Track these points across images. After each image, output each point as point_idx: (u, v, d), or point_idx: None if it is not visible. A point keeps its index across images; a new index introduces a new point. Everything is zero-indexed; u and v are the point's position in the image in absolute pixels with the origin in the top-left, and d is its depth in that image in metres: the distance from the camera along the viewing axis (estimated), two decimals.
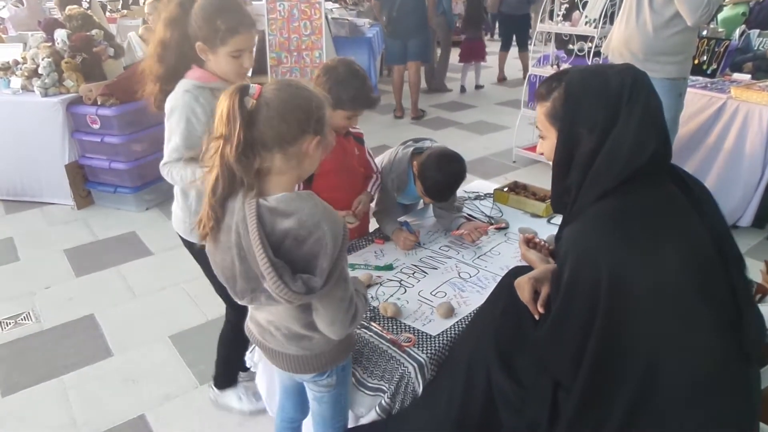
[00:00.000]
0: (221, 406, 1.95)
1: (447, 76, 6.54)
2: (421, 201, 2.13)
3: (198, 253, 1.58)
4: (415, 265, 1.83)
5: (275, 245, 0.98)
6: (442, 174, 1.74)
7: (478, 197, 2.35)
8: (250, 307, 1.21)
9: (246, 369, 1.98)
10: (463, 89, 6.31)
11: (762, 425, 1.06)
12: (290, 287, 0.95)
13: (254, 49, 1.49)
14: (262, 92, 0.99)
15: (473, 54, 6.29)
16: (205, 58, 1.45)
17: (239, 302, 1.06)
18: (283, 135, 0.98)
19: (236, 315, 1.74)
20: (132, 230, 3.39)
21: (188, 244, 1.64)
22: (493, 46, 8.08)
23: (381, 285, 1.68)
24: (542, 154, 1.16)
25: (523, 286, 1.20)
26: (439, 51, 6.28)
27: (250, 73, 2.10)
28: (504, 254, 1.90)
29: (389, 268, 1.82)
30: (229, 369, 1.93)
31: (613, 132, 1.01)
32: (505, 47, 6.59)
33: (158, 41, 1.43)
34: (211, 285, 1.59)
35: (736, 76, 3.37)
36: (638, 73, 1.04)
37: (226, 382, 1.96)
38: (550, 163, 1.12)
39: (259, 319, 1.21)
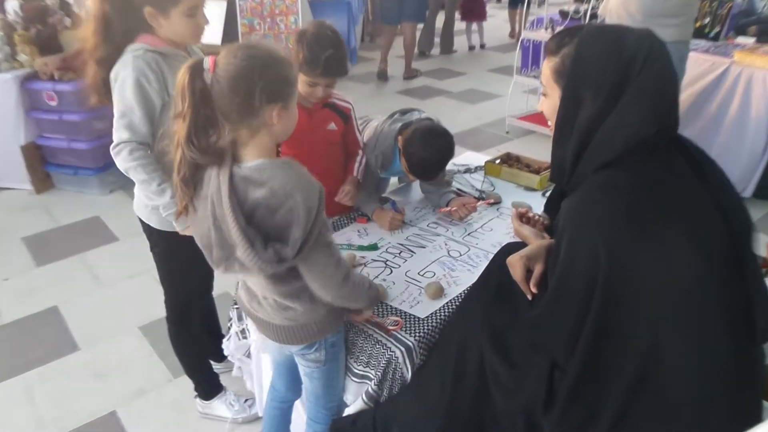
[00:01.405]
0: (213, 419, 1.91)
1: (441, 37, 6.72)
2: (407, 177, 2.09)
3: (156, 241, 1.60)
4: (401, 244, 1.84)
5: (248, 214, 1.03)
6: (429, 151, 1.75)
7: (468, 170, 2.36)
8: (241, 276, 1.25)
9: (222, 359, 1.99)
10: (471, 47, 6.65)
11: (765, 403, 1.05)
12: (260, 256, 0.99)
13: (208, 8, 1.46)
14: (216, 64, 0.99)
15: (474, 14, 6.46)
16: (156, 24, 1.39)
17: (216, 269, 1.10)
18: (238, 108, 0.99)
19: (174, 313, 1.75)
20: (96, 215, 3.36)
21: (148, 231, 1.62)
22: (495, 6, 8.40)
23: (365, 266, 1.68)
24: (542, 112, 1.15)
25: (514, 265, 1.21)
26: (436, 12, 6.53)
27: (220, 42, 2.03)
28: (496, 230, 1.91)
29: (373, 248, 1.81)
30: (203, 374, 1.90)
31: (620, 101, 1.00)
32: (513, 5, 6.76)
33: (96, 16, 1.35)
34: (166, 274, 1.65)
35: (740, 39, 3.35)
36: (656, 42, 1.02)
37: (210, 391, 1.91)
38: (547, 131, 1.12)
39: (249, 286, 1.25)
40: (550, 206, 1.43)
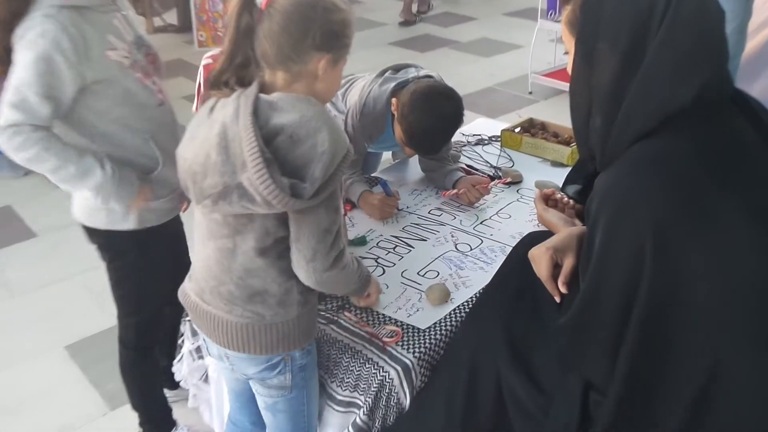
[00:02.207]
0: None
1: None
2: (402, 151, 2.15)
3: (119, 250, 1.59)
4: (396, 237, 1.85)
5: (266, 137, 1.07)
6: (431, 118, 1.76)
7: (480, 142, 2.37)
8: (194, 261, 1.31)
9: (174, 385, 1.99)
10: None
11: None
12: (275, 180, 1.05)
13: None
14: (271, 1, 1.11)
15: None
16: None
17: (197, 203, 1.17)
18: (286, 47, 1.12)
19: (134, 335, 1.74)
20: (6, 204, 3.30)
21: (104, 240, 1.60)
22: None
23: None
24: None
25: (539, 259, 1.20)
26: None
27: None
28: (516, 217, 1.93)
29: (362, 242, 1.84)
30: (157, 408, 1.90)
31: (647, 52, 1.00)
32: None
33: None
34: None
35: None
36: None
37: (160, 427, 1.92)
38: None
39: (200, 271, 1.29)
40: (577, 182, 1.45)
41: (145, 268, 1.64)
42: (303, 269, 1.22)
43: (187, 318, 1.72)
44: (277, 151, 1.08)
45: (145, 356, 1.80)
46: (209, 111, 1.18)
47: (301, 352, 1.35)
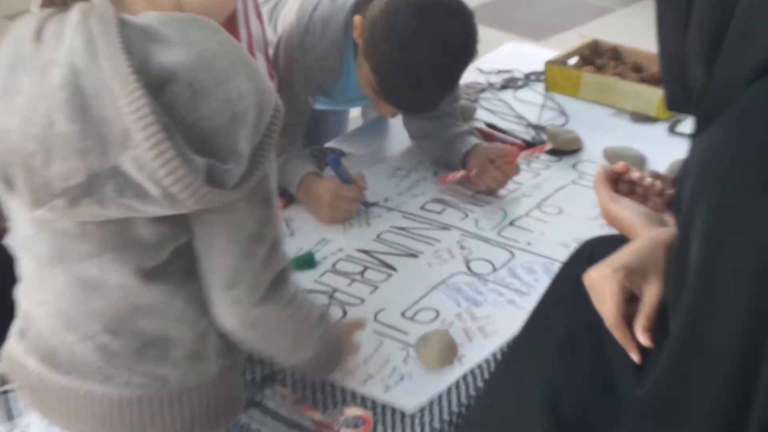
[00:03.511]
0: None
1: None
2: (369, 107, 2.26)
3: None
4: (366, 253, 1.85)
5: (152, 88, 1.06)
6: (421, 48, 1.76)
7: (510, 84, 2.36)
8: (28, 305, 1.31)
9: None
10: None
11: None
12: (185, 158, 1.05)
13: None
14: None
15: None
16: None
17: (30, 208, 1.14)
18: None
19: None
20: None
21: None
22: None
23: None
24: None
25: (602, 288, 1.20)
26: None
27: None
28: (571, 212, 1.94)
29: (307, 263, 1.81)
30: None
31: None
32: None
33: None
34: None
35: None
36: None
37: None
38: None
39: (43, 321, 1.29)
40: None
41: None
42: (218, 303, 1.23)
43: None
44: (170, 111, 1.07)
45: None
46: (34, 39, 1.11)
47: None
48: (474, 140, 2.04)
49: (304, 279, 1.72)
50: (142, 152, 1.06)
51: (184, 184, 1.07)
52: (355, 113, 2.65)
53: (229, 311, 1.23)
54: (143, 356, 1.25)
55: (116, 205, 1.11)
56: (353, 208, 1.94)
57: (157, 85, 1.07)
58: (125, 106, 1.05)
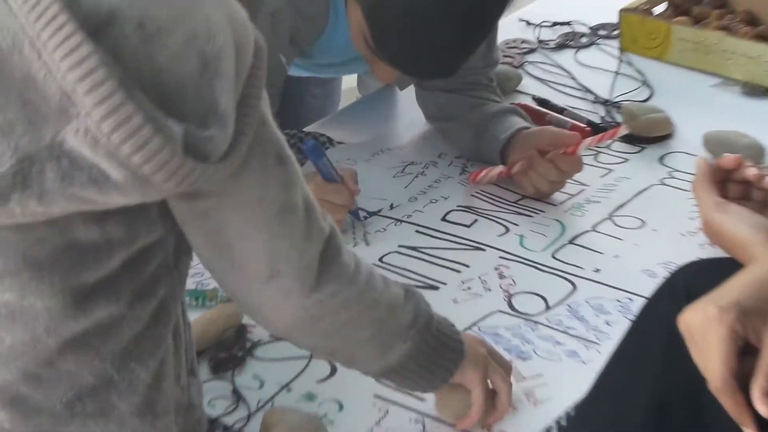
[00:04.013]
0: None
1: None
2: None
3: None
4: None
5: (92, 32, 1.01)
6: None
7: (569, 41, 2.38)
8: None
9: None
10: None
11: None
12: (158, 123, 1.00)
13: None
14: None
15: None
16: None
17: None
18: None
19: None
20: None
21: None
22: None
23: (253, 353, 1.63)
24: None
25: (703, 334, 1.13)
26: None
27: None
28: (657, 225, 1.84)
29: None
30: None
31: None
32: None
33: None
34: None
35: None
36: None
37: None
38: None
39: None
40: None
41: None
42: (263, 303, 1.25)
43: None
44: (118, 62, 1.01)
45: None
46: None
47: None
48: (517, 122, 1.92)
49: None
50: (95, 122, 0.97)
51: (159, 162, 0.98)
52: (349, 83, 2.62)
53: (280, 308, 1.22)
54: (75, 413, 1.17)
55: (63, 199, 1.03)
56: (341, 218, 1.80)
57: (94, 30, 0.98)
58: (61, 59, 0.96)
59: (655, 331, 1.26)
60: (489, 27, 1.83)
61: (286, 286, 1.21)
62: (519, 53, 2.30)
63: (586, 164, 1.88)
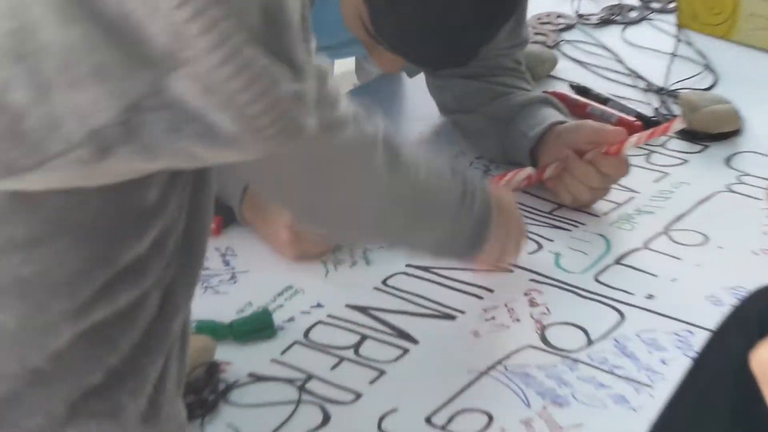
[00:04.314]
0: None
1: None
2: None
3: None
4: (362, 310, 1.72)
5: None
6: None
7: (614, 15, 2.42)
8: None
9: None
10: None
11: None
12: (277, 71, 1.02)
13: None
14: None
15: None
16: None
17: None
18: None
19: None
20: None
21: None
22: None
23: (227, 397, 1.59)
24: None
25: None
26: None
27: None
28: (724, 241, 1.83)
29: (262, 327, 1.68)
30: None
31: None
32: None
33: None
34: None
35: None
36: None
37: None
38: None
39: None
40: None
41: None
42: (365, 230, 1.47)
43: None
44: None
45: None
46: None
47: None
48: (551, 115, 1.88)
49: (254, 357, 1.62)
50: (210, 67, 0.97)
51: (277, 113, 1.00)
52: (342, 66, 2.66)
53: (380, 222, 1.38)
54: (78, 412, 1.16)
55: (170, 153, 1.05)
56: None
57: None
58: None
59: (722, 371, 1.18)
60: (516, 4, 1.83)
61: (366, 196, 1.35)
62: (553, 30, 2.28)
63: (635, 166, 1.86)
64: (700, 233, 1.79)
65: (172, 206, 1.16)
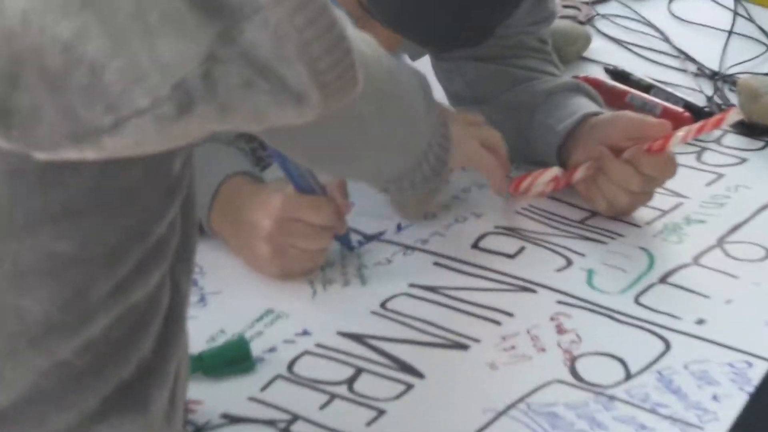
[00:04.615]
0: None
1: None
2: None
3: None
4: (356, 339, 1.70)
5: None
6: None
7: None
8: None
9: None
10: None
11: None
12: (343, 24, 1.10)
13: None
14: None
15: None
16: None
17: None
18: None
19: None
20: None
21: None
22: None
23: None
24: None
25: None
26: None
27: None
28: None
29: (238, 358, 1.66)
30: None
31: None
32: None
33: None
34: None
35: None
36: None
37: None
38: None
39: None
40: None
41: None
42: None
43: None
44: None
45: None
46: None
47: None
48: (582, 105, 1.83)
49: (229, 394, 1.57)
50: (285, 14, 1.00)
51: (344, 67, 1.06)
52: None
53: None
54: (112, 407, 1.18)
55: (243, 112, 1.06)
56: (324, 246, 1.74)
57: None
58: None
59: None
60: None
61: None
62: (586, 3, 2.27)
63: (682, 166, 1.82)
64: (760, 246, 1.76)
65: (187, 178, 1.18)
